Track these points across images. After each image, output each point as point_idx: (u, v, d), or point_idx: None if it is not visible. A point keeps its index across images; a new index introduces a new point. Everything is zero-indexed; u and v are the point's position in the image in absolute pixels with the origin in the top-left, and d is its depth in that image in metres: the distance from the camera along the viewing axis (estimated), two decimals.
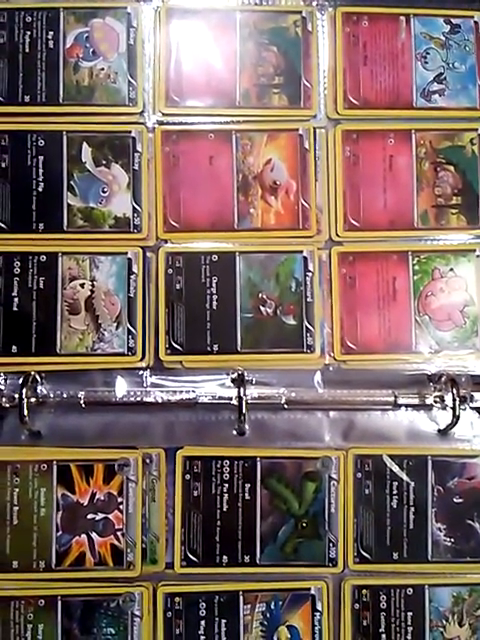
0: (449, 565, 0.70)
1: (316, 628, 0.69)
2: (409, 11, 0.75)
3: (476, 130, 0.74)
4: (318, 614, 0.69)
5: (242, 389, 0.68)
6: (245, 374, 0.70)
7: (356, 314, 0.73)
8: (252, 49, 0.74)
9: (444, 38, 0.75)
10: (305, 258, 0.73)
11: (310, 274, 0.73)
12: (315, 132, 0.74)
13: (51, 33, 0.73)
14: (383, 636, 0.69)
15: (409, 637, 0.69)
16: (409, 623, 0.69)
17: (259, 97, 0.74)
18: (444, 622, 0.70)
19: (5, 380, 0.70)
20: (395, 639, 0.69)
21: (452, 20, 0.75)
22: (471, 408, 0.71)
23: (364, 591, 0.69)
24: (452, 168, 0.74)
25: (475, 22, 0.75)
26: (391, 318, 0.73)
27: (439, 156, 0.74)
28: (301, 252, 0.73)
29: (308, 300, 0.72)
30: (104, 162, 0.73)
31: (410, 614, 0.69)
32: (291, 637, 0.69)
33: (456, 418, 0.68)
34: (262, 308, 0.72)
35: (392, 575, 0.70)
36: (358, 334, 0.73)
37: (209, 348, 0.72)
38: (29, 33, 0.73)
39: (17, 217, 0.72)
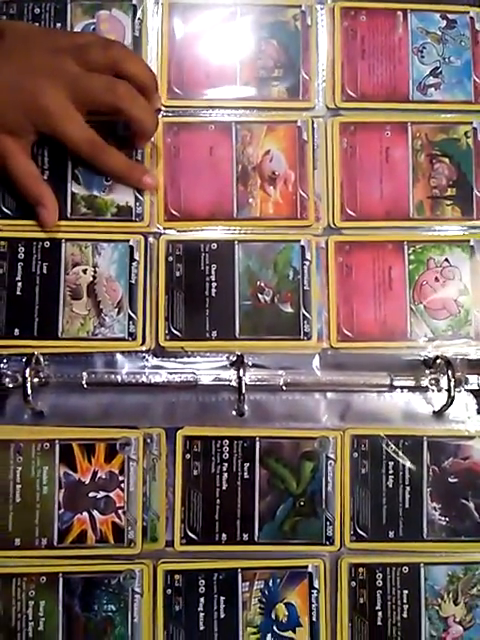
0: (444, 544, 0.77)
1: (313, 605, 0.76)
2: (406, 6, 0.83)
3: (471, 123, 0.82)
4: (315, 591, 0.76)
5: (241, 370, 0.75)
6: (244, 357, 0.77)
7: (352, 302, 0.80)
8: (252, 42, 0.82)
9: (440, 33, 0.83)
10: (303, 247, 0.80)
11: (307, 263, 0.80)
12: (313, 124, 0.81)
13: (58, 25, 0.81)
14: (379, 614, 0.76)
15: (405, 615, 0.76)
16: (405, 601, 0.76)
17: (259, 89, 0.81)
18: (439, 600, 0.76)
19: (8, 362, 0.76)
20: (391, 617, 0.76)
21: (448, 15, 0.83)
22: (466, 390, 0.78)
23: (360, 569, 0.76)
24: (447, 160, 0.82)
25: (471, 17, 0.84)
26: (387, 306, 0.80)
27: (434, 148, 0.82)
28: (299, 241, 0.80)
29: (305, 288, 0.79)
30: None
31: (406, 592, 0.76)
32: (289, 614, 0.75)
33: (451, 398, 0.75)
34: (260, 296, 0.79)
35: (388, 553, 0.77)
36: (354, 322, 0.79)
37: (208, 334, 0.78)
38: (37, 25, 0.80)
39: (22, 204, 0.78)
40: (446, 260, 0.81)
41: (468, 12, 0.84)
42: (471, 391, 0.79)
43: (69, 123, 0.74)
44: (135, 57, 0.77)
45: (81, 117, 0.74)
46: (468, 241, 0.81)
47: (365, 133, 0.82)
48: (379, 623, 0.76)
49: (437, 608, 0.76)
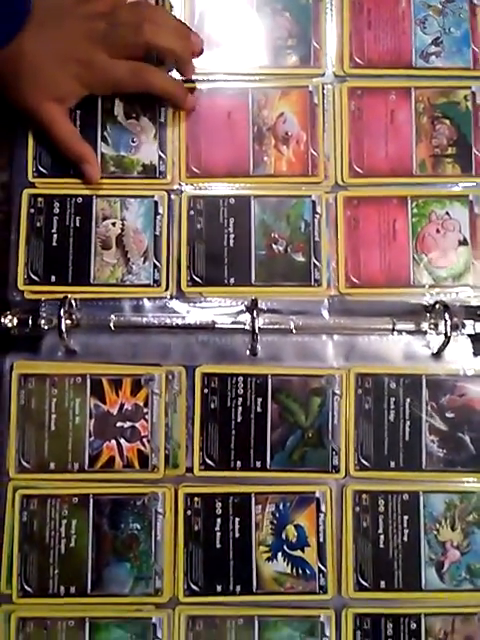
0: (441, 473, 0.82)
1: (320, 528, 0.81)
2: None
3: (469, 88, 0.88)
4: (322, 515, 0.81)
5: (255, 311, 0.81)
6: (258, 301, 0.83)
7: (359, 252, 0.85)
8: (268, 15, 0.88)
9: (441, 6, 0.89)
10: (313, 202, 0.86)
11: (318, 216, 0.86)
12: (323, 89, 0.87)
13: None
14: (381, 537, 0.81)
15: (405, 539, 0.81)
16: (405, 526, 0.81)
17: (274, 58, 0.88)
18: (438, 526, 0.81)
19: (45, 305, 0.83)
20: (392, 540, 0.81)
21: None
22: (462, 335, 0.83)
23: (364, 496, 0.82)
24: (448, 122, 0.87)
25: None
26: (391, 256, 0.85)
27: (436, 111, 0.87)
28: (310, 196, 0.86)
29: (316, 239, 0.85)
30: (134, 115, 0.87)
31: (406, 518, 0.81)
32: (298, 535, 0.81)
33: (448, 339, 0.80)
34: (274, 246, 0.85)
35: (389, 482, 0.82)
36: (361, 270, 0.85)
37: (226, 281, 0.85)
38: None
39: (57, 163, 0.85)
40: (447, 213, 0.86)
41: None
42: (469, 336, 0.84)
43: (115, 69, 0.81)
44: (160, 10, 0.85)
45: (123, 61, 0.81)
46: (467, 196, 0.87)
47: (371, 97, 0.87)
48: (381, 546, 0.81)
49: (435, 533, 0.82)
